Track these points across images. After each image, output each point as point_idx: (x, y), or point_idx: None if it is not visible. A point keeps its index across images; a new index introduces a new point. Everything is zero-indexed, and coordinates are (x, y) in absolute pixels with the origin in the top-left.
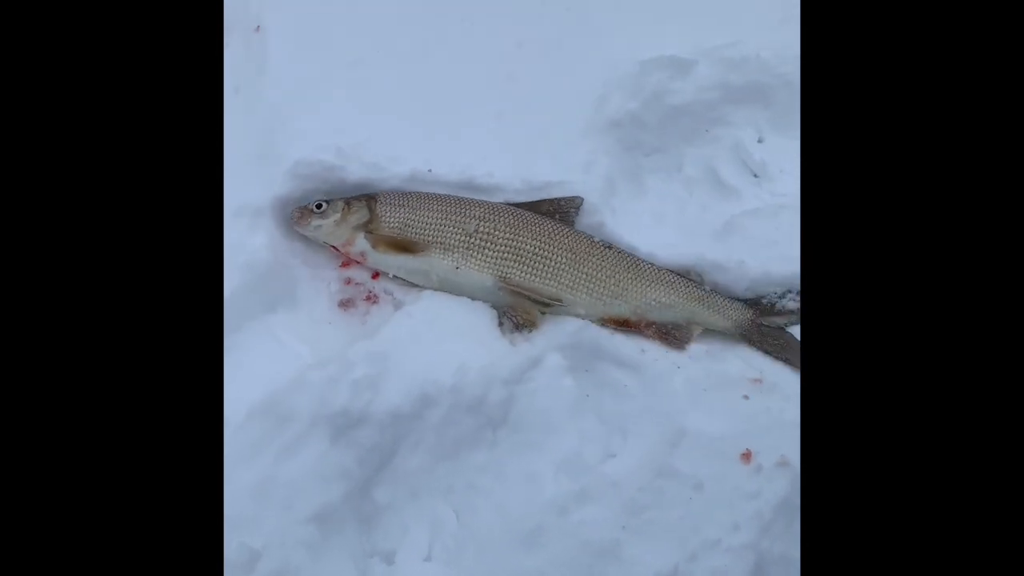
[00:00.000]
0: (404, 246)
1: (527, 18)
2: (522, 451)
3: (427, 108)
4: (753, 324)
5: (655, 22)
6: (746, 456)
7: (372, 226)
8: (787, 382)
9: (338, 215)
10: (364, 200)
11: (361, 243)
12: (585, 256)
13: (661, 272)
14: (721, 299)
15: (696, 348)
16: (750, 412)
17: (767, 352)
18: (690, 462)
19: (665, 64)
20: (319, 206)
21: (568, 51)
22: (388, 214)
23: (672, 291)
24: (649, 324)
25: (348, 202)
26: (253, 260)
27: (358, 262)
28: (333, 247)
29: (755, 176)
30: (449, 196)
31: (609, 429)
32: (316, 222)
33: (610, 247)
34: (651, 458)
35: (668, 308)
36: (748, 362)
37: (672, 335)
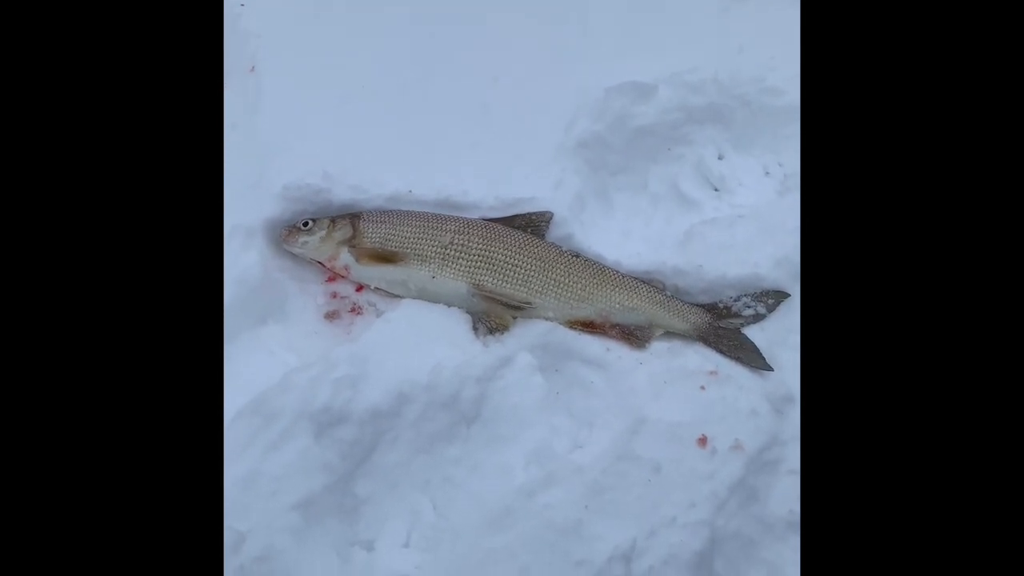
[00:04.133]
0: (384, 257)
1: (501, 54)
2: (494, 444)
3: (408, 137)
4: (710, 327)
5: (618, 53)
6: (702, 441)
7: (355, 241)
8: (741, 374)
9: (323, 232)
10: (348, 218)
11: (345, 257)
12: (553, 263)
13: (625, 278)
14: (680, 303)
15: (658, 346)
16: (706, 401)
17: (722, 352)
18: (650, 447)
19: (628, 89)
20: (306, 224)
21: (538, 82)
22: (370, 230)
23: (635, 295)
24: (613, 326)
25: (333, 220)
26: (245, 276)
27: (342, 276)
28: (319, 262)
29: (716, 190)
30: (426, 213)
31: (577, 423)
32: (303, 239)
33: (577, 255)
34: (613, 445)
35: (631, 311)
36: (705, 357)
37: (634, 335)
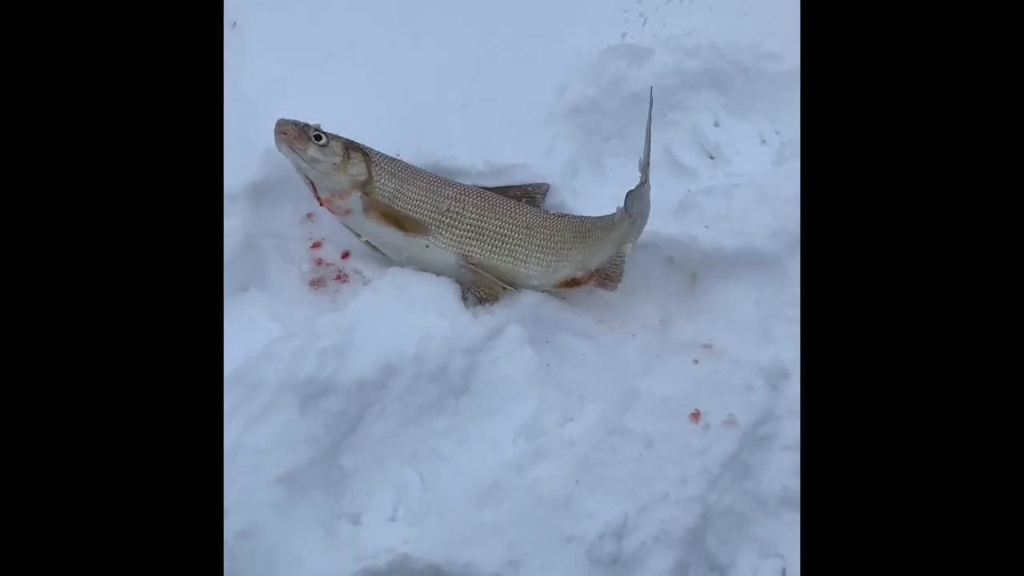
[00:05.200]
0: (397, 220)
1: (492, 13)
2: (483, 417)
3: (395, 98)
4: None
5: (613, 14)
6: (695, 415)
7: (368, 188)
8: (736, 348)
9: (338, 159)
10: (360, 154)
11: (355, 201)
12: (539, 228)
13: (592, 220)
14: (606, 217)
15: (650, 318)
16: (700, 375)
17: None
18: (641, 421)
19: (623, 52)
20: (319, 137)
21: (530, 43)
22: (383, 181)
23: (605, 230)
24: (590, 275)
25: (347, 150)
26: (226, 241)
27: (334, 212)
28: (313, 185)
29: (711, 157)
30: (430, 173)
31: (568, 396)
32: (313, 154)
33: (562, 216)
34: (605, 419)
35: (597, 242)
36: (700, 329)
37: (608, 278)
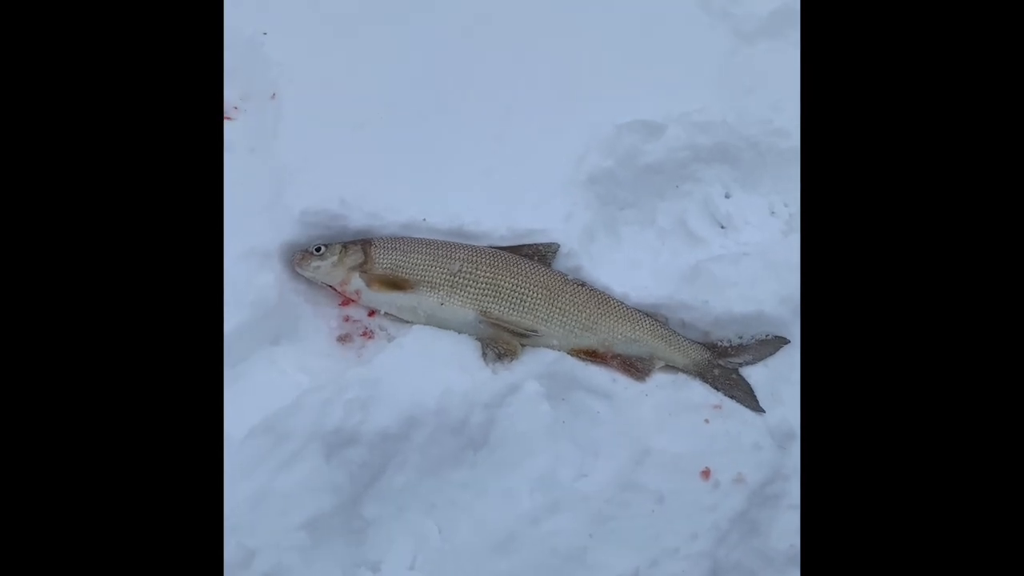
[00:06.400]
0: (395, 284)
1: (516, 86)
2: (500, 470)
3: (423, 165)
4: (709, 364)
5: (630, 91)
6: (705, 473)
7: (366, 267)
8: (745, 408)
9: (335, 257)
10: (360, 244)
11: (356, 282)
12: (559, 292)
13: (628, 309)
14: (681, 339)
15: (663, 378)
16: (711, 434)
17: (717, 389)
18: (653, 477)
19: (639, 127)
20: (318, 249)
21: (551, 115)
22: (381, 256)
23: (637, 327)
24: (615, 356)
25: (345, 246)
26: (260, 297)
27: (353, 300)
28: (331, 287)
29: (722, 227)
30: (436, 240)
31: (582, 452)
32: (315, 263)
33: (583, 284)
34: (618, 474)
35: (633, 342)
36: (710, 390)
37: (635, 367)
